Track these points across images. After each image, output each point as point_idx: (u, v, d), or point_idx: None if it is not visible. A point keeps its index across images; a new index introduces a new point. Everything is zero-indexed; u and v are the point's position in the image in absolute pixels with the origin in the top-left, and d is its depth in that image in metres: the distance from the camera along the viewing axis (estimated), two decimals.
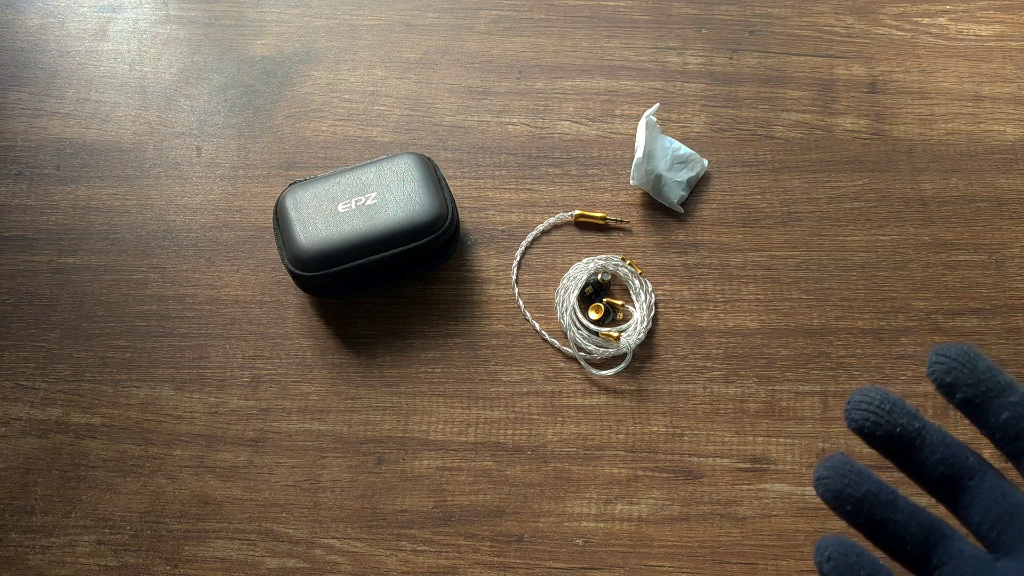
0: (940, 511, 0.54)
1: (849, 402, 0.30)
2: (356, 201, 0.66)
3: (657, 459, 0.63)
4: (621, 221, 0.71)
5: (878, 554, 0.34)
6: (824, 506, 0.61)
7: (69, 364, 0.68)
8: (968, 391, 0.29)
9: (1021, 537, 0.28)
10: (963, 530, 0.45)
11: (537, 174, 0.74)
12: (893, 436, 0.30)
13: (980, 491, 0.29)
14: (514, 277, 0.70)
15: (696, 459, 0.63)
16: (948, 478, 0.30)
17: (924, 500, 0.56)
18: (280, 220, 0.67)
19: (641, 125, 0.70)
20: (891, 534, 0.29)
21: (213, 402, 0.66)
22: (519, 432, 0.65)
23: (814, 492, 0.61)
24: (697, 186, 0.73)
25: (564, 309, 0.67)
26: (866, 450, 0.62)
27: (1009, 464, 0.30)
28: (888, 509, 0.29)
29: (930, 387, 0.65)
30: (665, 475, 0.63)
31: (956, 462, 0.30)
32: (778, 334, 0.67)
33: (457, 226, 0.68)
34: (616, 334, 0.66)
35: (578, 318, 0.67)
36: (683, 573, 0.60)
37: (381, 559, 0.61)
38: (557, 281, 0.70)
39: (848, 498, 0.29)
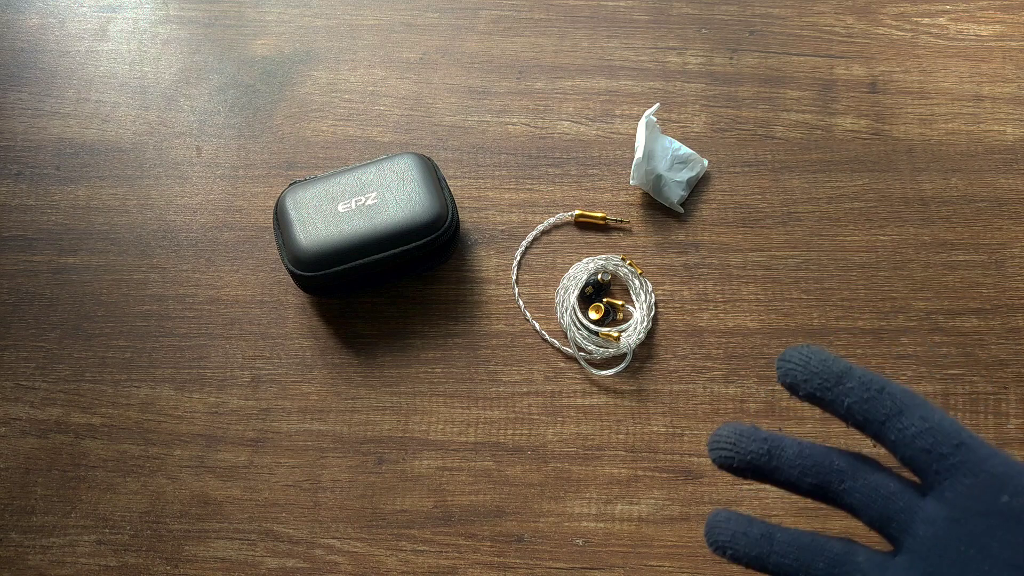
0: None
1: (708, 443, 0.32)
2: (356, 201, 0.66)
3: (657, 459, 0.63)
4: (621, 221, 0.71)
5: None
6: (823, 507, 0.61)
7: (69, 364, 0.68)
8: (807, 387, 0.30)
9: (903, 531, 0.29)
10: None
11: (537, 174, 0.74)
12: (748, 465, 0.31)
13: (855, 493, 0.30)
14: (514, 277, 0.70)
15: (696, 459, 0.63)
16: (819, 487, 0.30)
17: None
18: (280, 220, 0.67)
19: (641, 125, 0.70)
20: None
21: (213, 402, 0.66)
22: (519, 432, 0.65)
23: None
24: (697, 186, 0.73)
25: (564, 309, 0.67)
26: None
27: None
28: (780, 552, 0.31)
29: (931, 386, 0.65)
30: (665, 475, 0.63)
31: (820, 470, 0.30)
32: (778, 334, 0.67)
33: (457, 226, 0.68)
34: (616, 334, 0.66)
35: (578, 318, 0.67)
36: (683, 573, 0.60)
37: (381, 559, 0.61)
38: (557, 281, 0.70)
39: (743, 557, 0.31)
